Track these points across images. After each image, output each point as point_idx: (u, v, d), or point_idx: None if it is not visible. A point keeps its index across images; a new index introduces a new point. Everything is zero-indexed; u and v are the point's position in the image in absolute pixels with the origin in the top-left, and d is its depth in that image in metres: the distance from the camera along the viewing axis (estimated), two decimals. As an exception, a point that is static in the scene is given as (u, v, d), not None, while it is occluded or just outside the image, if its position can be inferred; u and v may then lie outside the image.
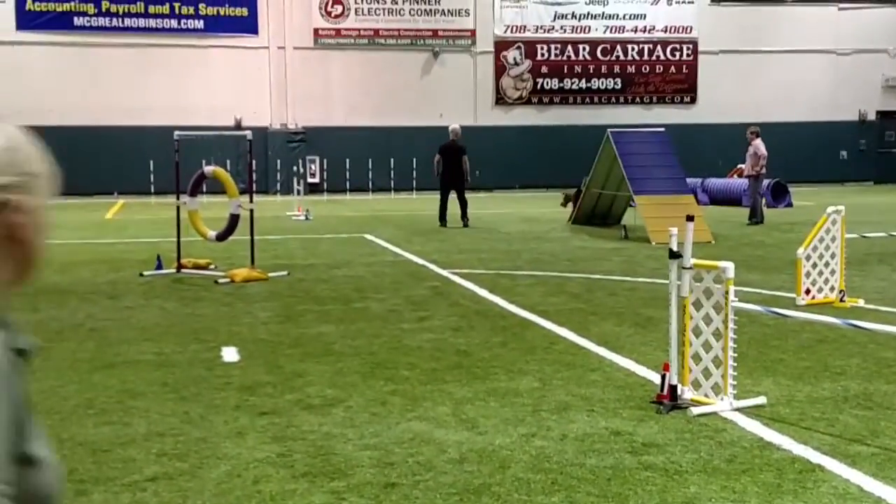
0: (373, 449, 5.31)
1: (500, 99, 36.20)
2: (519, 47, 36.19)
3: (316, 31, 34.55)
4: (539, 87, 36.50)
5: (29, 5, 32.05)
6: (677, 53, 37.26)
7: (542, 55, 36.40)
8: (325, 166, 33.97)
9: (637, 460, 5.13)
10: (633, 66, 37.02)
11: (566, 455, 5.21)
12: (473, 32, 35.77)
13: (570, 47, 36.58)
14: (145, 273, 12.59)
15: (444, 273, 12.68)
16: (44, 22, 32.11)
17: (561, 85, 36.63)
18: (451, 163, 20.16)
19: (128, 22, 32.77)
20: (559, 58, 36.55)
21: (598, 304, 10.21)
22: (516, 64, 36.23)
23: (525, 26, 36.10)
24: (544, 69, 36.47)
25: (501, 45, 36.04)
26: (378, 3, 34.90)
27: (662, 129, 19.53)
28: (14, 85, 31.62)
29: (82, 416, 5.98)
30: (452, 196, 20.10)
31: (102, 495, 4.63)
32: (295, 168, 32.27)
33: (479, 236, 18.01)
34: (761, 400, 6.21)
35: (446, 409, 6.11)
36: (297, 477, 4.89)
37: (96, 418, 5.93)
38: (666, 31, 37.02)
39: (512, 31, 36.05)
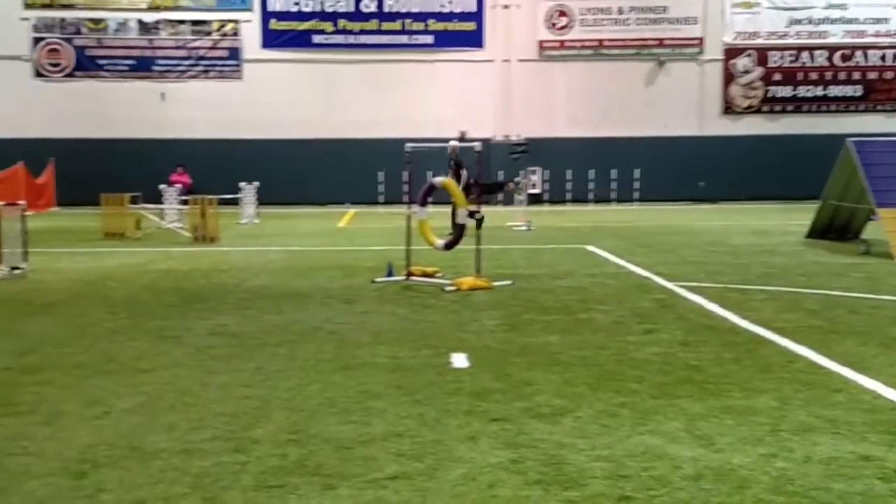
0: (605, 461, 5.28)
1: (728, 108, 35.07)
2: (750, 54, 34.94)
3: (540, 43, 34.78)
4: (770, 95, 35.09)
5: (272, 24, 34.17)
6: (925, 57, 34.80)
7: (775, 62, 34.97)
8: (546, 177, 34.14)
9: (889, 487, 4.83)
10: (875, 72, 34.89)
11: (810, 478, 4.97)
12: (701, 40, 34.88)
13: (805, 53, 34.95)
14: (377, 280, 13.10)
15: (670, 286, 12.42)
16: (286, 40, 34.14)
17: (794, 93, 35.05)
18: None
19: (363, 39, 34.26)
20: (793, 64, 35.00)
21: (838, 321, 9.68)
22: (746, 72, 35.00)
23: (757, 32, 34.83)
24: (777, 76, 35.02)
25: (731, 53, 34.93)
26: (603, 13, 34.70)
27: (911, 138, 18.27)
28: (259, 100, 33.84)
29: (326, 415, 6.29)
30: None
31: (348, 490, 4.86)
32: (517, 179, 32.59)
33: (705, 249, 17.52)
34: None
35: (679, 425, 5.99)
36: (530, 484, 4.93)
37: (339, 417, 6.23)
38: (912, 35, 34.68)
39: (743, 38, 34.87)
